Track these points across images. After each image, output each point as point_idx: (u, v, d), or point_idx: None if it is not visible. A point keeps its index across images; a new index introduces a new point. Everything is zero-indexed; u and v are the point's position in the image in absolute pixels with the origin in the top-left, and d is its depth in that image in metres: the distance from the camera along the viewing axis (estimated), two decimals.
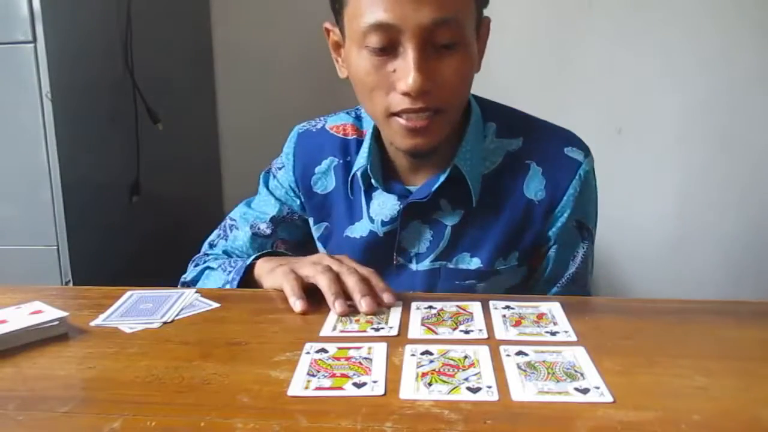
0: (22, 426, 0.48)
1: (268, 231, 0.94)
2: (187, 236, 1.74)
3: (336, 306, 0.67)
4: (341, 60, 0.83)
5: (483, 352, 0.57)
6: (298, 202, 0.94)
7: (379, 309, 0.68)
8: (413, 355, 0.57)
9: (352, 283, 0.69)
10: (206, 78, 1.88)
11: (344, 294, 0.69)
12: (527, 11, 1.70)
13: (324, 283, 0.69)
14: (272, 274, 0.76)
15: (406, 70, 0.71)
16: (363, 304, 0.67)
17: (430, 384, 0.52)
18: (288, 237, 0.95)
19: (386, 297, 0.69)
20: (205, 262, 0.92)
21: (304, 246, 0.96)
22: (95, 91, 1.29)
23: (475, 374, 0.54)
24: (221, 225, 0.98)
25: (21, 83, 1.13)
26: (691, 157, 1.78)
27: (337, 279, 0.70)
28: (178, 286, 0.92)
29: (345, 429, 0.46)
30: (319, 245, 0.94)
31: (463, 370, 0.54)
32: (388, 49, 0.72)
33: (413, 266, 0.87)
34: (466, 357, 0.57)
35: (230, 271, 0.84)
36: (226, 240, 0.96)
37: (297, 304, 0.68)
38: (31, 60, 1.12)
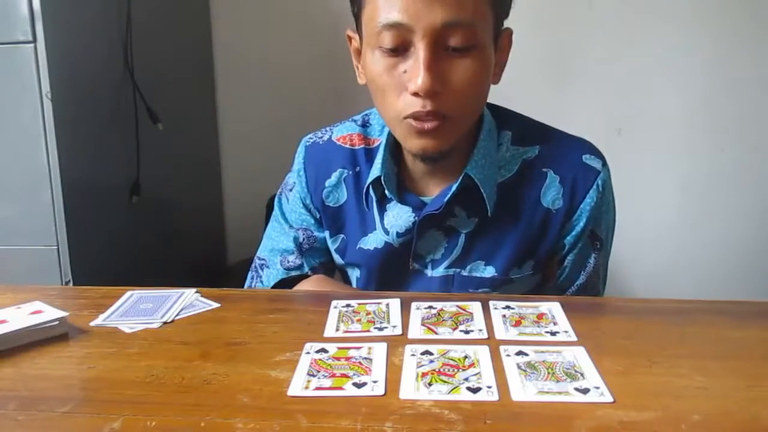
0: (22, 426, 0.48)
1: (299, 261, 0.91)
2: (187, 236, 1.75)
3: None
4: (361, 67, 0.82)
5: (483, 352, 0.57)
6: (312, 220, 0.92)
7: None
8: (413, 355, 0.57)
9: None
10: (206, 78, 1.88)
11: None
12: (527, 11, 1.70)
13: None
14: None
15: (416, 70, 0.71)
16: None
17: (430, 384, 0.52)
18: (317, 263, 0.93)
19: None
20: None
21: (334, 266, 0.94)
22: (95, 91, 1.29)
23: (475, 374, 0.54)
24: (252, 268, 0.96)
25: (21, 83, 1.13)
26: (691, 157, 1.78)
27: None
28: None
29: (345, 429, 0.46)
30: (336, 257, 0.92)
31: (463, 370, 0.54)
32: (400, 50, 0.73)
33: (428, 272, 0.86)
34: (466, 357, 0.57)
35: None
36: (261, 282, 0.93)
37: None
38: (31, 60, 1.12)
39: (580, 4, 1.72)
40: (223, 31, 1.87)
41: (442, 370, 0.54)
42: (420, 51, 0.71)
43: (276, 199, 0.96)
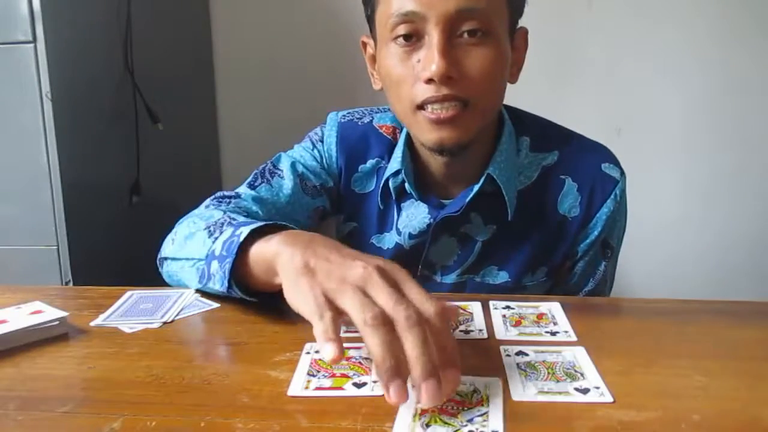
0: (22, 426, 0.48)
1: (317, 192, 0.86)
2: None
3: (391, 393, 0.45)
4: (376, 73, 0.82)
5: (495, 387, 0.51)
6: (331, 183, 0.88)
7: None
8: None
9: (415, 353, 0.46)
10: (206, 78, 1.87)
11: (401, 362, 0.46)
12: (527, 11, 1.70)
13: (376, 350, 0.46)
14: (296, 288, 0.54)
15: (430, 57, 0.71)
16: (424, 392, 0.45)
17: (428, 425, 0.45)
18: (329, 208, 0.88)
19: (448, 380, 0.47)
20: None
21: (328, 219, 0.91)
22: (95, 91, 1.29)
23: (481, 415, 0.47)
24: (256, 173, 0.88)
25: (21, 83, 1.13)
26: (691, 157, 1.78)
27: (393, 338, 0.47)
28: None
29: (345, 429, 0.46)
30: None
31: (468, 408, 0.47)
32: (415, 40, 0.73)
33: (438, 278, 0.85)
34: (474, 391, 0.50)
35: (216, 238, 0.66)
36: (268, 184, 0.85)
37: (328, 350, 0.48)
38: (31, 60, 1.12)
39: (580, 3, 1.72)
40: (223, 31, 1.87)
41: (444, 407, 0.47)
42: (434, 38, 0.71)
43: (297, 146, 0.91)
